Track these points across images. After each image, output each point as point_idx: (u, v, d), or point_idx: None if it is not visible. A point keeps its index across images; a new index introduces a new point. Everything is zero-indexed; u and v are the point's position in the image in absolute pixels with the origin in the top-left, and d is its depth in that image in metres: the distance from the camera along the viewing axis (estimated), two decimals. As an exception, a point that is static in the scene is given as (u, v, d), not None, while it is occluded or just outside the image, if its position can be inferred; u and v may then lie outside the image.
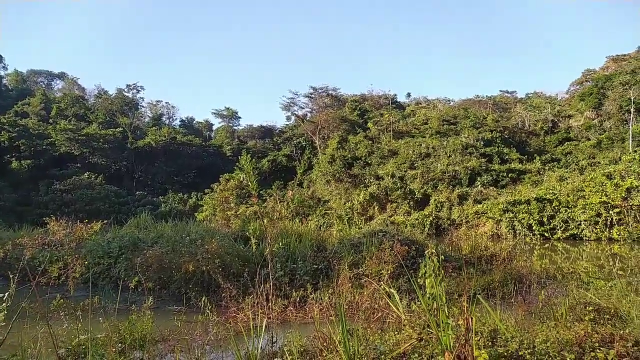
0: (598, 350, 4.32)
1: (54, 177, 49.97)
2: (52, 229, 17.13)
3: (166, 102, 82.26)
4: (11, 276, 4.90)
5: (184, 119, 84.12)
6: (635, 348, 4.44)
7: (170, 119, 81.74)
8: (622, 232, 22.61)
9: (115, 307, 6.72)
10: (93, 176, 50.59)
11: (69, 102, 65.29)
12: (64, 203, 44.86)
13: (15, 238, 15.41)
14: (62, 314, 6.04)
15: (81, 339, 5.54)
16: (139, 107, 74.76)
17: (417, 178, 38.13)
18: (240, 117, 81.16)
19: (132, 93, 70.82)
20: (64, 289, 9.43)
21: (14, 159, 51.85)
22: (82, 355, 5.43)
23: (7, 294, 4.42)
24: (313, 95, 62.67)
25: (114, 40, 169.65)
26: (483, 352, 3.83)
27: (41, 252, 14.02)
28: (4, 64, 77.21)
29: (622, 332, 4.91)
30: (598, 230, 23.70)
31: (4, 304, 4.37)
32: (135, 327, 6.13)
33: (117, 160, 59.05)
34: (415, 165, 41.78)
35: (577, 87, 59.24)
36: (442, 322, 4.13)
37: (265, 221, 7.29)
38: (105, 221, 21.36)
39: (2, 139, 51.73)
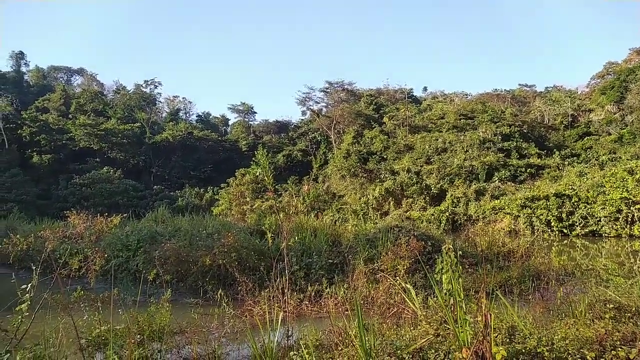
0: (619, 349, 4.23)
1: (74, 171, 50.97)
2: (73, 222, 17.46)
3: (183, 98, 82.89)
4: (33, 268, 5.02)
5: (201, 114, 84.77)
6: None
7: (187, 114, 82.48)
8: (643, 229, 22.10)
9: (134, 299, 6.83)
10: (112, 170, 51.47)
11: (88, 98, 66.30)
12: (83, 197, 45.73)
13: (37, 231, 15.82)
14: (82, 305, 6.17)
15: (101, 330, 5.65)
16: (157, 102, 75.67)
17: (433, 173, 37.82)
18: (256, 112, 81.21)
19: (150, 89, 71.67)
20: (84, 281, 9.61)
21: (35, 153, 52.97)
22: (102, 346, 5.53)
23: (29, 285, 4.52)
24: (328, 90, 62.45)
25: (131, 36, 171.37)
26: (501, 348, 3.79)
27: (62, 245, 14.34)
28: (26, 61, 78.74)
29: (644, 330, 4.81)
30: (618, 226, 23.21)
31: (27, 295, 4.47)
32: (154, 319, 6.22)
33: (135, 155, 59.90)
34: (432, 160, 41.43)
35: (598, 80, 57.76)
36: (460, 318, 4.11)
37: (280, 215, 7.31)
38: (124, 215, 21.76)
39: (23, 134, 52.91)
